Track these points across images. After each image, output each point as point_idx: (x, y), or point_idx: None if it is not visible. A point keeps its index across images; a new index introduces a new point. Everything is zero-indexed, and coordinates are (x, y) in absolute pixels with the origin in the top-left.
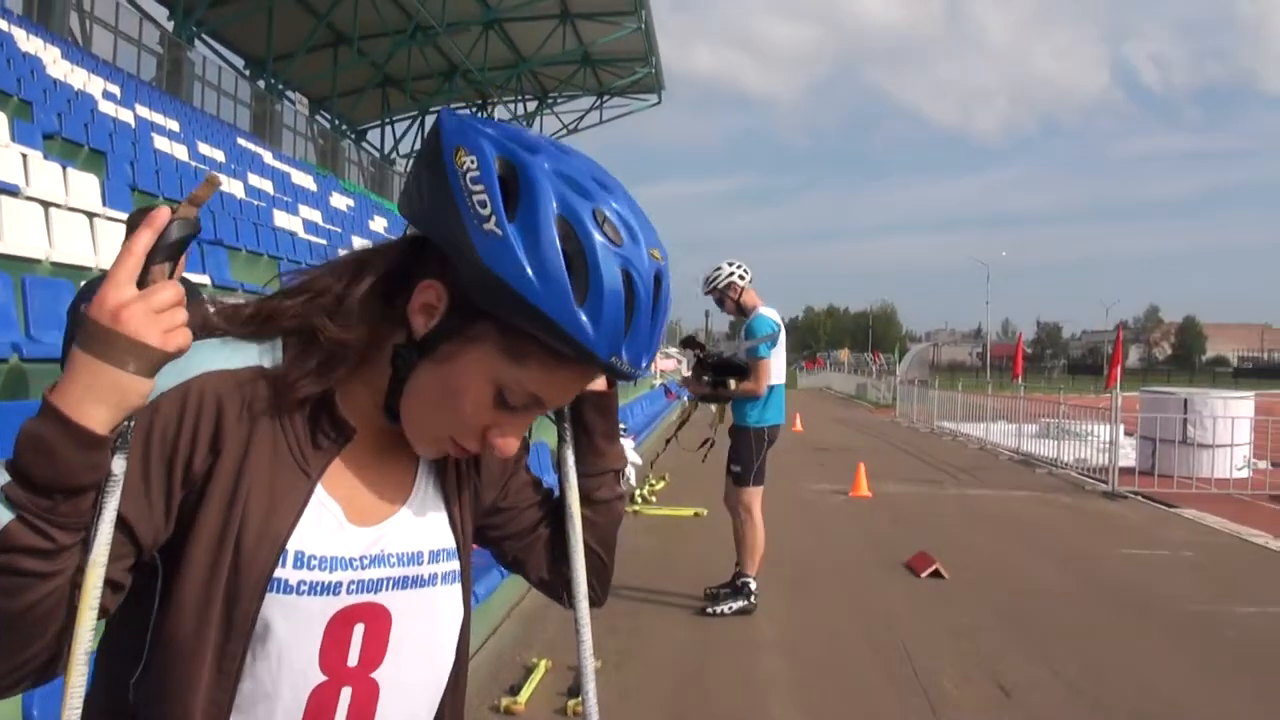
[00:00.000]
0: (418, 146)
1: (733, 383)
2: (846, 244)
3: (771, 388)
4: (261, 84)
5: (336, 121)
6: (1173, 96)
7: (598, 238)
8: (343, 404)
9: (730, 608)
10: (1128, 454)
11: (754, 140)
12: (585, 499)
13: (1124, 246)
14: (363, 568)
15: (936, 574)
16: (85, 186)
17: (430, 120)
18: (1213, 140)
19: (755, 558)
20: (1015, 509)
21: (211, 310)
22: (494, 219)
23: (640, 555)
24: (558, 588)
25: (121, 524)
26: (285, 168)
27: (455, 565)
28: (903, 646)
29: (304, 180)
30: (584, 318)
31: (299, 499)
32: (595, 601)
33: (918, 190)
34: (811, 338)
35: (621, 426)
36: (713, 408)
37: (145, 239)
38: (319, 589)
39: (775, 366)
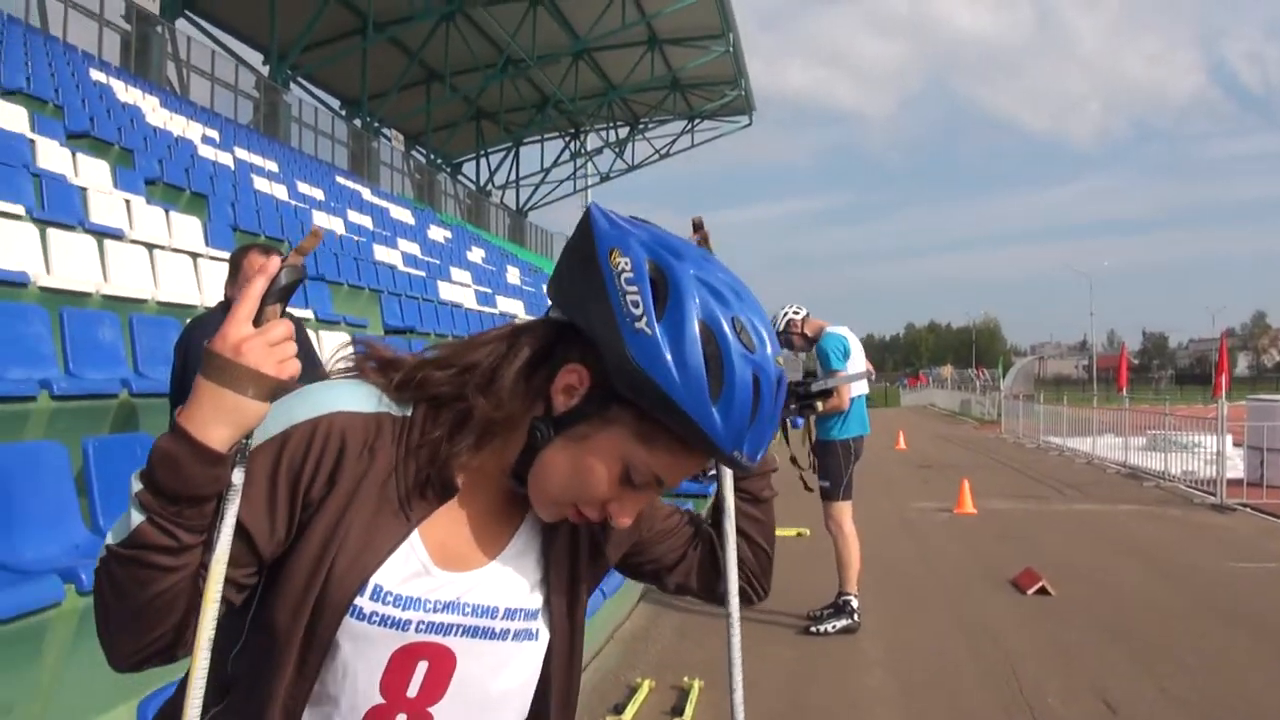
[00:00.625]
0: (512, 176)
1: (819, 404)
2: (944, 258)
3: (853, 400)
4: (358, 122)
5: (432, 156)
6: (1271, 95)
7: (734, 343)
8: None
9: (834, 626)
10: (1236, 465)
11: (846, 156)
12: (751, 499)
13: (1227, 251)
14: (435, 611)
15: (1043, 590)
16: (188, 228)
17: (525, 151)
18: None
19: (852, 574)
20: (1122, 523)
21: (369, 363)
22: (645, 319)
23: None
24: (718, 596)
25: (244, 533)
26: (383, 203)
27: (534, 625)
28: (1008, 663)
29: (402, 214)
30: (716, 415)
31: (393, 539)
32: (760, 594)
33: (1014, 201)
34: (914, 355)
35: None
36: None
37: (260, 285)
38: (389, 623)
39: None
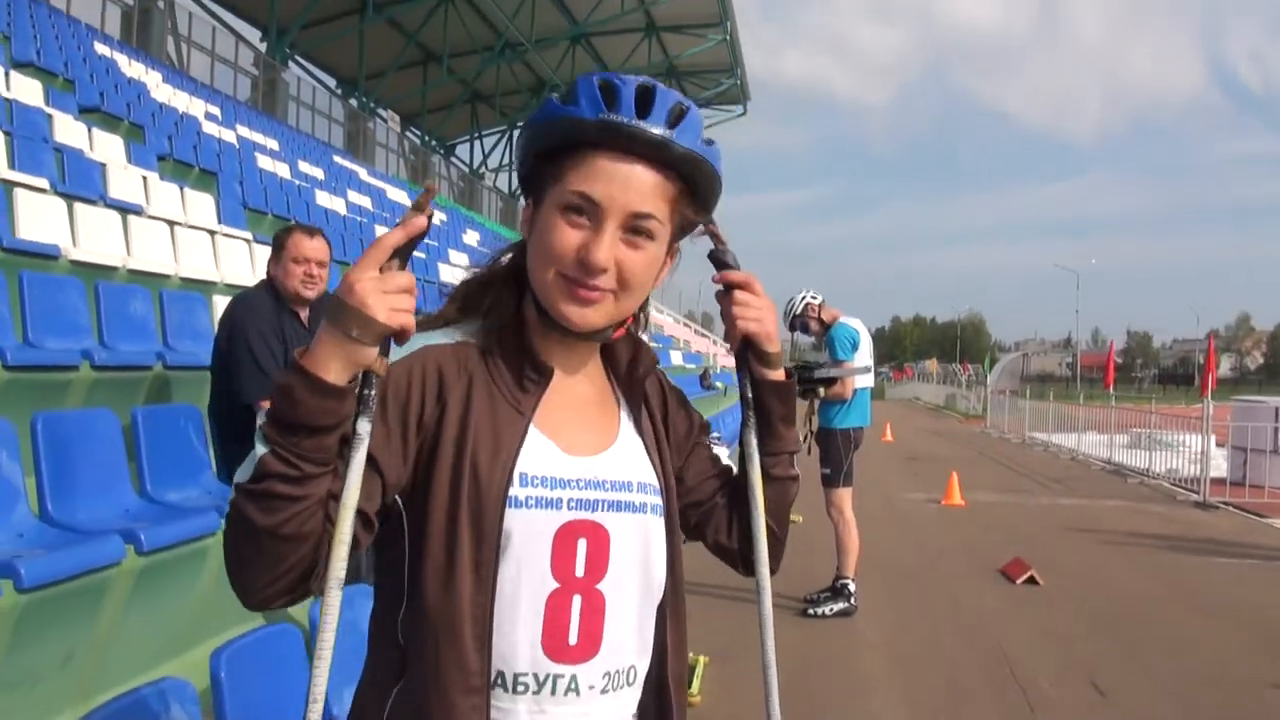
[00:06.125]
0: (506, 161)
1: (822, 390)
2: (933, 252)
3: (856, 391)
4: (354, 102)
5: (426, 138)
6: (1270, 96)
7: (584, 82)
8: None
9: (831, 609)
10: (1219, 464)
11: (841, 147)
12: (764, 475)
13: (1215, 252)
14: (581, 488)
15: (1031, 580)
16: (202, 205)
17: (518, 134)
18: None
19: (851, 559)
20: (1107, 518)
21: (434, 312)
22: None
23: None
24: (734, 554)
25: (371, 463)
26: (380, 184)
27: (660, 500)
28: (1000, 648)
29: (398, 196)
30: (570, 108)
31: (519, 431)
32: (770, 571)
33: (1006, 196)
34: (898, 348)
35: (715, 435)
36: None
37: (394, 235)
38: (544, 503)
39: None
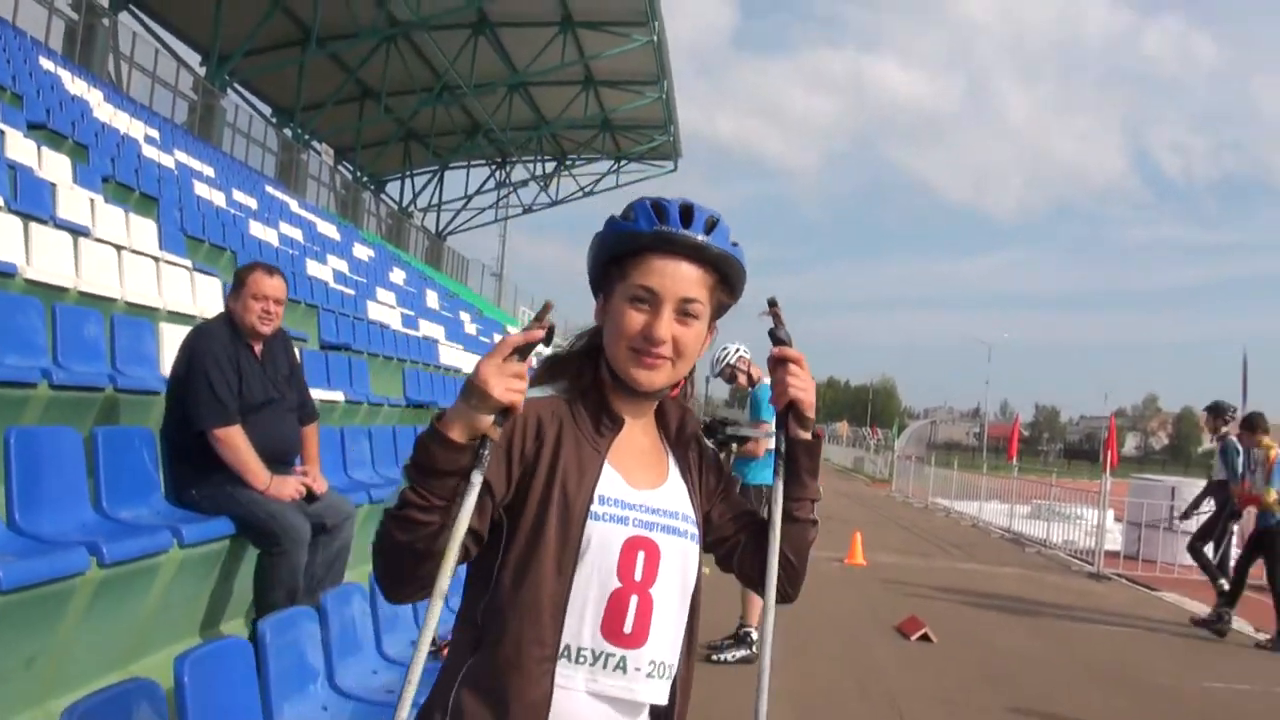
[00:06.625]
0: (435, 200)
1: (735, 446)
2: (852, 317)
3: (767, 451)
4: (289, 132)
5: (358, 173)
6: (1188, 187)
7: (639, 202)
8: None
9: (734, 656)
10: (1115, 538)
11: (768, 209)
12: (788, 517)
13: (1125, 334)
14: (644, 512)
15: (925, 637)
16: (144, 231)
17: (450, 175)
18: (1221, 234)
19: (755, 609)
20: (1002, 583)
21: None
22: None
23: None
24: (756, 582)
25: (485, 486)
26: (311, 216)
27: (697, 531)
28: (893, 700)
29: (328, 229)
30: (630, 224)
31: (597, 465)
32: (788, 598)
33: (927, 266)
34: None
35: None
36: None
37: (517, 339)
38: (616, 519)
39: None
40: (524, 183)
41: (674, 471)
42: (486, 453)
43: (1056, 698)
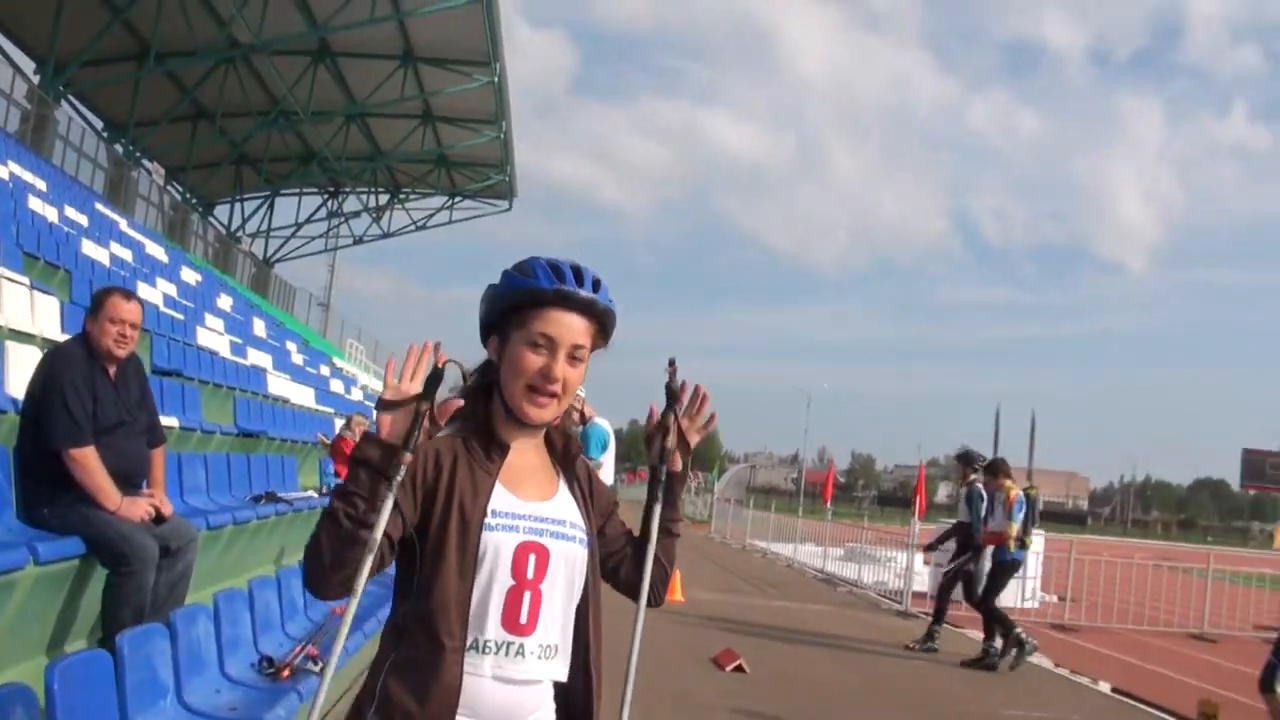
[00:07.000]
0: (265, 226)
1: None
2: (679, 360)
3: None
4: (119, 148)
5: (188, 194)
6: (1005, 250)
7: (535, 261)
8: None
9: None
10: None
11: (600, 252)
12: (665, 530)
13: (941, 386)
14: (533, 520)
15: (739, 669)
16: None
17: (280, 202)
18: (1038, 296)
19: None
20: (813, 620)
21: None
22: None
23: None
24: (634, 586)
25: (396, 508)
26: (139, 237)
27: (584, 536)
28: None
29: (156, 251)
30: (529, 281)
31: (489, 485)
32: (657, 601)
33: (751, 315)
34: (634, 451)
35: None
36: None
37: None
38: (508, 528)
39: (605, 470)
40: (356, 213)
41: (564, 487)
42: (400, 478)
43: None
